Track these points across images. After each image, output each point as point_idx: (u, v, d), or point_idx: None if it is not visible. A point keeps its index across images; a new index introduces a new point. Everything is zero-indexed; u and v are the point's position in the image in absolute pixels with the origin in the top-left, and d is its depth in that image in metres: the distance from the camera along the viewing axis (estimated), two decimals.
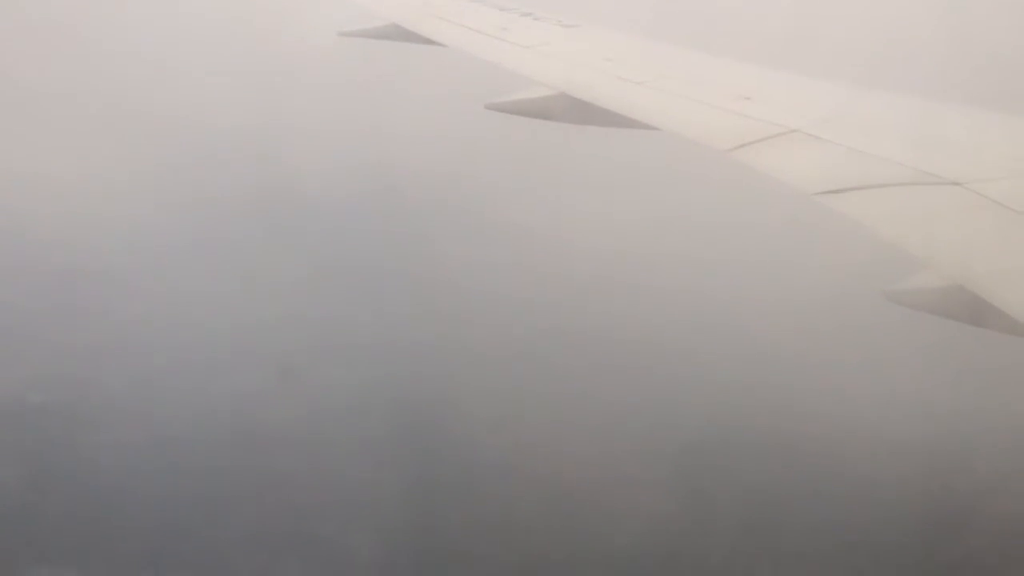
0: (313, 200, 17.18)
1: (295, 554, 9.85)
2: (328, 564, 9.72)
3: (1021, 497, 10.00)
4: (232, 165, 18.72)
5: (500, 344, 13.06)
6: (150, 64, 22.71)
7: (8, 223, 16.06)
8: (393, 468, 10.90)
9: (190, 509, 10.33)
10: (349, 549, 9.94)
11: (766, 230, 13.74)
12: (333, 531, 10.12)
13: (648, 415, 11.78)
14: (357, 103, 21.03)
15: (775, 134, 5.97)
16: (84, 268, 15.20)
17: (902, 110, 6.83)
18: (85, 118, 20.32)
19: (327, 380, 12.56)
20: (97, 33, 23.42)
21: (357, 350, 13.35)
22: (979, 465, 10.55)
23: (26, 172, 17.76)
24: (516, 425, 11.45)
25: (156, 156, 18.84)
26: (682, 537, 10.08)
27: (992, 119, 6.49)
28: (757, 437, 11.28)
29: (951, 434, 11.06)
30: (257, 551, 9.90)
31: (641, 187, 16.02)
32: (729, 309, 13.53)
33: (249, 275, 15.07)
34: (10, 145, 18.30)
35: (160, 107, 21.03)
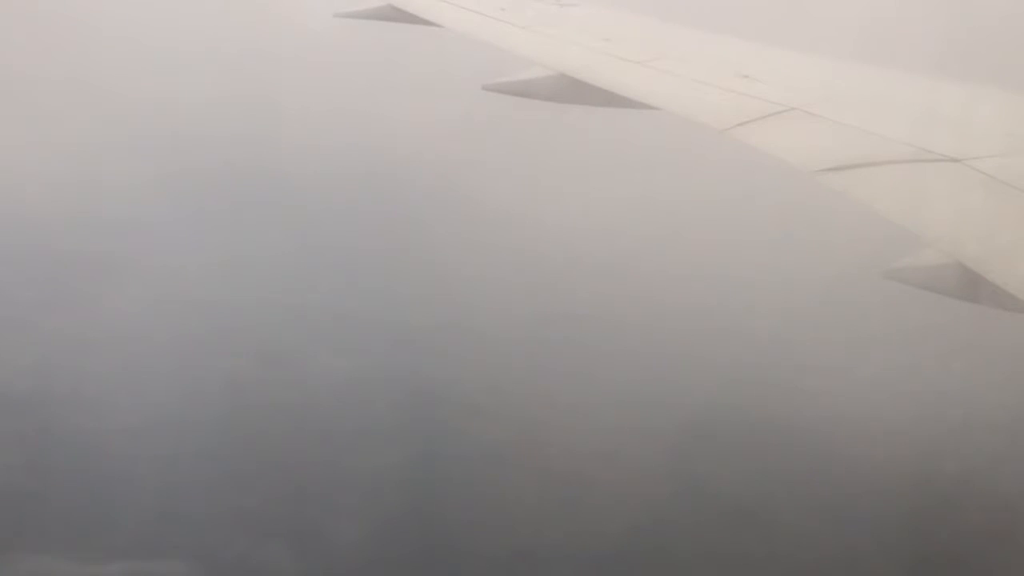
0: (309, 181, 17.15)
1: (288, 540, 9.91)
2: (322, 550, 9.78)
3: (1016, 477, 10.06)
4: (227, 147, 18.65)
5: (496, 326, 13.08)
6: (143, 46, 22.58)
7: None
8: (389, 453, 10.93)
9: (183, 496, 10.39)
10: (342, 532, 9.99)
11: (765, 208, 13.74)
12: (324, 516, 10.16)
13: (648, 395, 11.81)
14: (353, 84, 20.95)
15: (774, 112, 5.96)
16: (82, 254, 15.18)
17: (900, 87, 6.81)
18: (78, 101, 20.22)
19: (319, 363, 12.57)
20: (92, 15, 23.28)
21: (353, 332, 13.36)
22: (975, 444, 10.60)
23: (19, 158, 17.71)
24: (514, 409, 11.48)
25: (149, 138, 18.78)
26: (682, 517, 10.13)
27: (991, 95, 6.47)
28: (756, 417, 11.33)
29: (947, 412, 11.11)
30: (251, 537, 9.95)
31: (640, 166, 16.01)
32: (728, 287, 13.55)
33: (240, 257, 15.06)
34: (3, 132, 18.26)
35: (153, 89, 20.94)
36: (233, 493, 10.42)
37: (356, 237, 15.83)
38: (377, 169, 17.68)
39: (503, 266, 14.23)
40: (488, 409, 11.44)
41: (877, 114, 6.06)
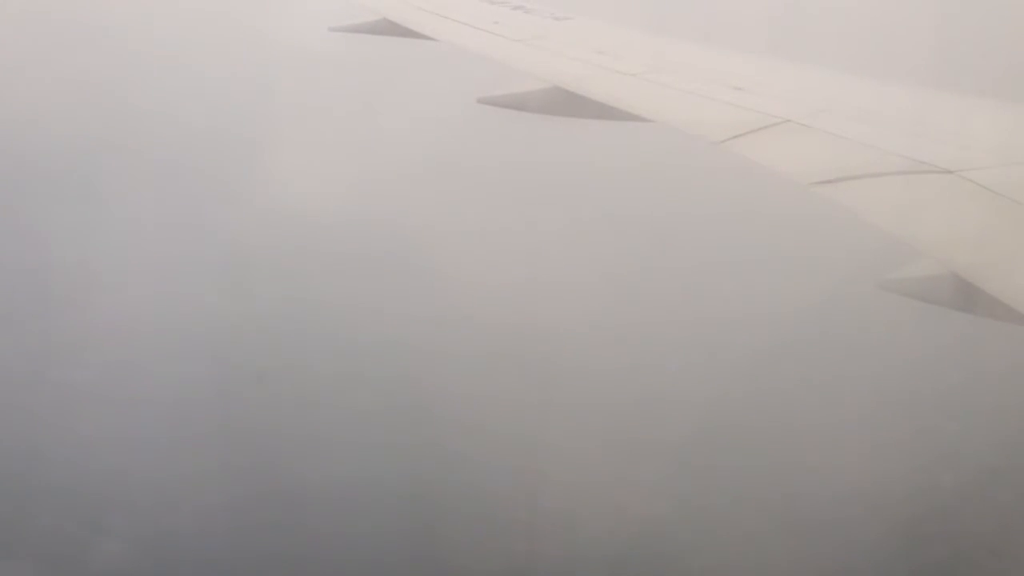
0: (302, 197, 17.15)
1: (278, 547, 9.88)
2: (314, 560, 9.74)
3: (1013, 488, 10.05)
4: (221, 157, 18.66)
5: (490, 343, 13.06)
6: (138, 59, 22.60)
7: None
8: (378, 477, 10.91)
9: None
10: (333, 544, 9.96)
11: (759, 220, 13.76)
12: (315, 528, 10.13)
13: (641, 408, 11.80)
14: (347, 99, 20.98)
15: (768, 124, 5.98)
16: (67, 266, 15.16)
17: (894, 99, 6.84)
18: (66, 114, 20.18)
19: (306, 378, 12.54)
20: (84, 29, 23.31)
21: (352, 346, 13.34)
22: (972, 456, 10.60)
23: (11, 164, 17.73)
24: (508, 427, 11.45)
25: (143, 147, 18.78)
26: (678, 530, 10.11)
27: (984, 106, 6.51)
28: (750, 427, 11.32)
29: (943, 424, 11.11)
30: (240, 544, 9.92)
31: (634, 179, 16.03)
32: (722, 298, 13.56)
33: (232, 274, 15.05)
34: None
35: (148, 102, 20.94)
36: (221, 502, 10.41)
37: (349, 249, 15.82)
38: (372, 182, 17.69)
39: (495, 275, 14.21)
40: (487, 425, 11.41)
41: (871, 126, 6.08)
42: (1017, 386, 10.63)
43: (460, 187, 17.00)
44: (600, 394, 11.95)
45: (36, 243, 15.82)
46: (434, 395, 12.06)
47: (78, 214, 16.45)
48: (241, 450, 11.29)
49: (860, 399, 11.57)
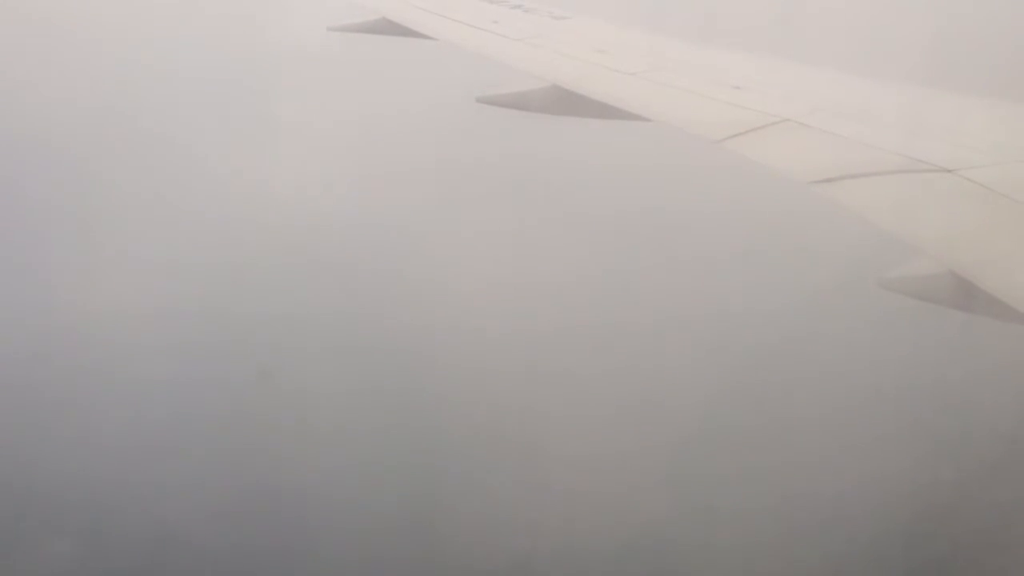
0: (301, 197, 17.16)
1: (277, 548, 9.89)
2: (312, 561, 9.75)
3: (1011, 486, 10.06)
4: (218, 161, 18.66)
5: (488, 342, 13.06)
6: (135, 60, 22.61)
7: None
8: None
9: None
10: (333, 544, 9.96)
11: (759, 219, 13.77)
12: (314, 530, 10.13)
13: (639, 404, 11.80)
14: (347, 98, 20.99)
15: (767, 123, 6.00)
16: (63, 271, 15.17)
17: (893, 97, 6.86)
18: (64, 113, 20.18)
19: (303, 378, 12.53)
20: (78, 29, 23.31)
21: (350, 345, 13.34)
22: (971, 455, 10.61)
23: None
24: (507, 426, 11.46)
25: (139, 153, 18.78)
26: (676, 529, 10.12)
27: (982, 105, 6.53)
28: (749, 425, 11.33)
29: (941, 423, 11.12)
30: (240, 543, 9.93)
31: (634, 178, 16.04)
32: (721, 298, 13.56)
33: (229, 274, 15.05)
34: None
35: (146, 103, 20.94)
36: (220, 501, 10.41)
37: (348, 251, 15.82)
38: (371, 180, 17.69)
39: (495, 274, 14.21)
40: (488, 422, 11.42)
41: (870, 125, 6.10)
42: (1016, 385, 10.65)
43: (459, 186, 17.00)
44: (600, 392, 11.95)
45: (36, 242, 15.83)
46: (433, 395, 12.07)
47: (76, 213, 16.46)
48: (238, 451, 11.29)
49: (858, 398, 11.58)
